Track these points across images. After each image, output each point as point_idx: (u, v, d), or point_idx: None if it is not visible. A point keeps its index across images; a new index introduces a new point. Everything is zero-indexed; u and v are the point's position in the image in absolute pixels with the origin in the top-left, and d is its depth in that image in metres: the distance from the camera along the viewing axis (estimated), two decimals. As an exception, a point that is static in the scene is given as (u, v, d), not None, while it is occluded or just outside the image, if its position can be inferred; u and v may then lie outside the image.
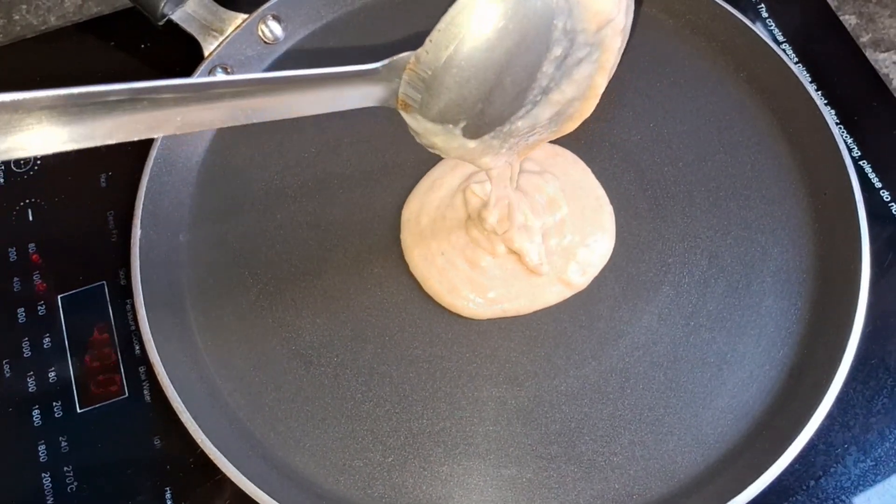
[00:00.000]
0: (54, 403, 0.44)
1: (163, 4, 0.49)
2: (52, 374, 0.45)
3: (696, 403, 0.41)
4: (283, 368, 0.43)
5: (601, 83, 0.36)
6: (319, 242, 0.47)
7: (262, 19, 0.51)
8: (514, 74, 0.32)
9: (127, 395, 0.44)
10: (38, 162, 0.51)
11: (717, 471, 0.40)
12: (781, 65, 0.48)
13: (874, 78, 0.52)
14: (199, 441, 0.39)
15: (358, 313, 0.45)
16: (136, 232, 0.44)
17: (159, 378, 0.40)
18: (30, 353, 0.45)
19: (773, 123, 0.49)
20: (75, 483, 0.42)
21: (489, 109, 0.33)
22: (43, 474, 0.42)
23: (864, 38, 0.54)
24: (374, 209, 0.47)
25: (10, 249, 0.48)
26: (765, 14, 0.55)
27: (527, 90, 0.33)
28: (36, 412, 0.44)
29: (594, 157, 0.48)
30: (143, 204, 0.45)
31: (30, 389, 0.45)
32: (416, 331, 0.44)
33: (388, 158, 0.49)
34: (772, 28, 0.54)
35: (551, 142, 0.42)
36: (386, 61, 0.32)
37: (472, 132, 0.34)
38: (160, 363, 0.41)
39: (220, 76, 0.50)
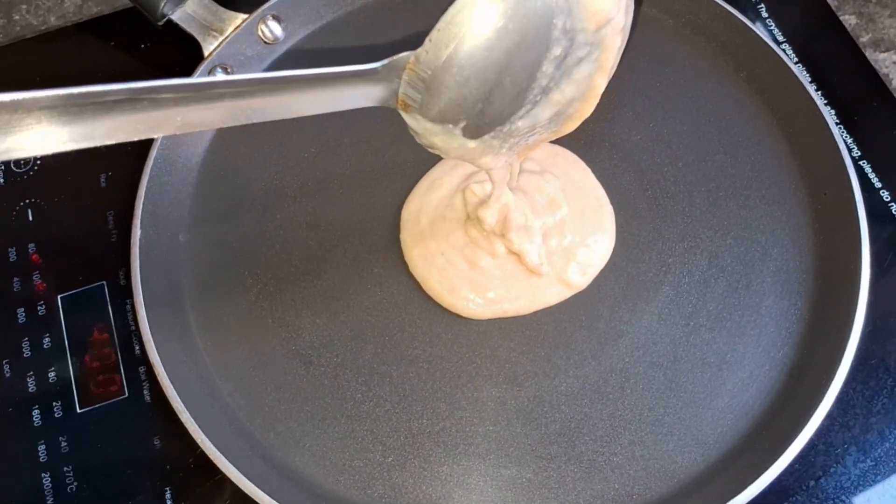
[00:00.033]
0: (54, 403, 0.44)
1: (163, 4, 0.49)
2: (51, 374, 0.45)
3: (696, 403, 0.41)
4: (283, 368, 0.43)
5: (601, 83, 0.36)
6: (319, 242, 0.47)
7: (262, 19, 0.51)
8: (513, 74, 0.32)
9: (127, 395, 0.44)
10: (38, 162, 0.51)
11: (717, 471, 0.40)
12: (781, 65, 0.48)
13: (874, 78, 0.52)
14: (199, 441, 0.39)
15: (358, 313, 0.45)
16: (136, 232, 0.44)
17: (159, 378, 0.40)
18: (30, 353, 0.45)
19: (773, 123, 0.49)
20: (75, 483, 0.42)
21: (489, 109, 0.33)
22: (43, 474, 0.42)
23: (864, 38, 0.54)
24: (373, 209, 0.47)
25: (10, 249, 0.48)
26: (765, 14, 0.55)
27: (527, 90, 0.33)
28: (36, 412, 0.44)
29: (594, 157, 0.48)
30: (143, 204, 0.45)
31: (30, 389, 0.45)
32: (416, 331, 0.44)
33: (387, 158, 0.49)
34: (772, 28, 0.54)
35: (551, 142, 0.42)
36: (385, 61, 0.32)
37: (473, 132, 0.34)
38: (160, 363, 0.41)
39: (220, 76, 0.50)
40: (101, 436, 0.43)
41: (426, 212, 0.46)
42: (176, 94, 0.28)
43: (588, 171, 0.47)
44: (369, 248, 0.46)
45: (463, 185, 0.46)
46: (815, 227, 0.45)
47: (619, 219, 0.46)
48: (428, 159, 0.46)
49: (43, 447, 0.43)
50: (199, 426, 0.39)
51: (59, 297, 0.47)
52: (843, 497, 0.41)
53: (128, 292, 0.44)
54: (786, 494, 0.41)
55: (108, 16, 0.57)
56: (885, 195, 0.48)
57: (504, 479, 0.40)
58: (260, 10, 0.51)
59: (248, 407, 0.42)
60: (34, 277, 0.47)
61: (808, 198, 0.46)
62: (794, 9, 0.55)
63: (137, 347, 0.45)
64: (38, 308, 0.47)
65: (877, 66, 0.53)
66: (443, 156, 0.37)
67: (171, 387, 0.40)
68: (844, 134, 0.50)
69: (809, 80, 0.51)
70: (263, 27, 0.51)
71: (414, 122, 0.34)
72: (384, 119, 0.41)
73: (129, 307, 0.46)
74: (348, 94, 0.33)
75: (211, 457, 0.38)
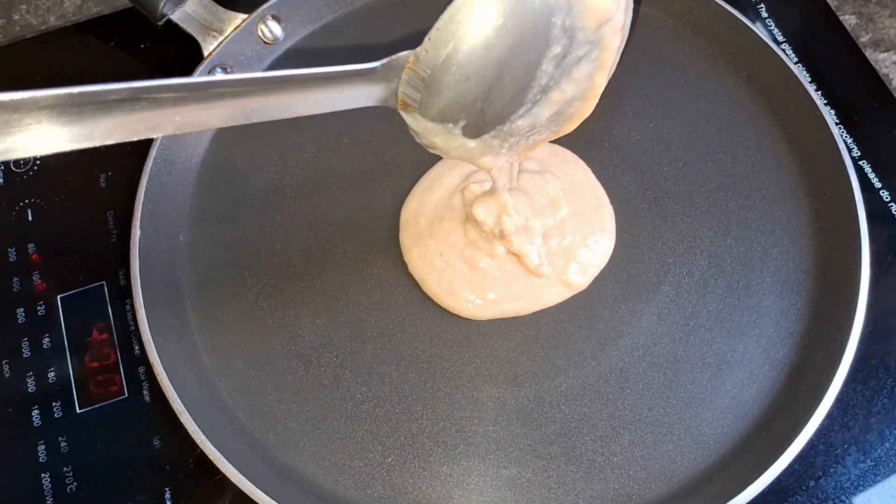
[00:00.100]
0: (54, 404, 0.44)
1: (162, 4, 0.49)
2: (51, 375, 0.45)
3: (696, 403, 0.41)
4: (283, 368, 0.43)
5: (601, 82, 0.36)
6: (319, 242, 0.47)
7: (262, 19, 0.51)
8: (513, 72, 0.32)
9: (126, 395, 0.44)
10: (38, 162, 0.51)
11: (717, 471, 0.40)
12: (781, 65, 0.48)
13: (874, 78, 0.52)
14: (198, 441, 0.39)
15: (357, 313, 0.45)
16: (136, 232, 0.44)
17: (159, 378, 0.40)
18: (29, 353, 0.45)
19: (773, 123, 0.49)
20: (75, 483, 0.42)
21: (489, 108, 0.33)
22: (42, 474, 0.42)
23: (863, 38, 0.54)
24: (373, 209, 0.47)
25: (9, 249, 0.48)
26: (765, 14, 0.55)
27: (526, 89, 0.33)
28: (35, 412, 0.44)
29: (594, 157, 0.48)
30: (143, 204, 0.45)
31: (29, 390, 0.44)
32: (416, 331, 0.44)
33: (387, 158, 0.49)
34: (772, 28, 0.54)
35: (551, 141, 0.42)
36: (385, 60, 0.32)
37: (472, 131, 0.34)
38: (160, 363, 0.41)
39: (220, 76, 0.50)
40: (101, 436, 0.43)
41: (425, 212, 0.46)
42: (175, 93, 0.28)
43: (588, 171, 0.47)
44: (369, 249, 0.46)
45: (462, 185, 0.46)
46: (815, 227, 0.45)
47: (619, 219, 0.46)
48: (427, 159, 0.46)
49: (42, 447, 0.43)
50: (199, 426, 0.39)
51: (58, 297, 0.47)
52: (843, 497, 0.41)
53: (127, 292, 0.44)
54: (786, 494, 0.41)
55: (107, 16, 0.57)
56: (885, 195, 0.48)
57: (504, 479, 0.40)
58: (260, 10, 0.51)
59: (248, 407, 0.42)
60: (34, 277, 0.47)
61: (808, 198, 0.46)
62: (794, 9, 0.55)
63: (137, 347, 0.45)
64: (38, 308, 0.47)
65: (877, 66, 0.53)
66: (443, 156, 0.37)
67: (171, 387, 0.40)
68: (844, 134, 0.50)
69: (809, 80, 0.51)
70: (263, 27, 0.51)
71: (414, 121, 0.34)
72: (384, 119, 0.41)
73: (128, 307, 0.46)
74: (347, 93, 0.33)
75: (211, 457, 0.38)
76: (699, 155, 0.48)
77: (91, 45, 0.56)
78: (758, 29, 0.49)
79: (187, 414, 0.39)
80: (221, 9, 0.50)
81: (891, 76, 0.53)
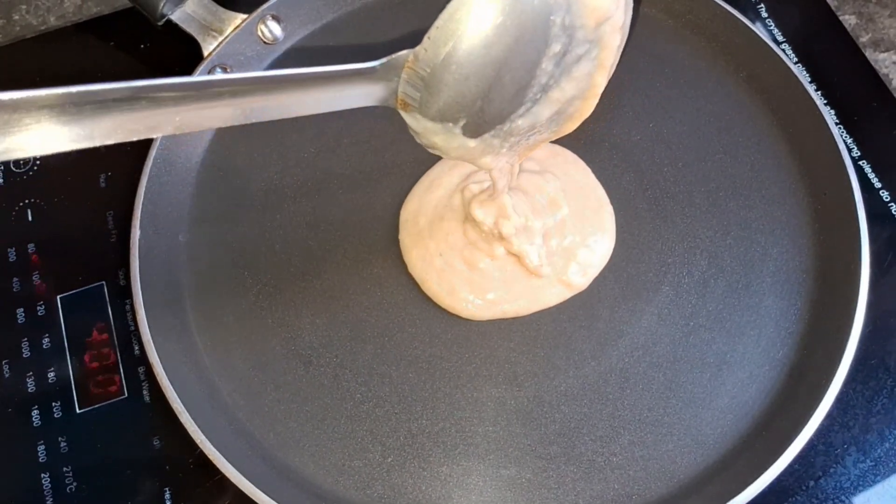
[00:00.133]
0: (53, 404, 0.44)
1: (162, 4, 0.49)
2: (51, 375, 0.45)
3: (696, 403, 0.41)
4: (283, 368, 0.43)
5: (601, 82, 0.36)
6: (319, 242, 0.47)
7: (262, 19, 0.51)
8: (513, 71, 0.32)
9: (126, 395, 0.44)
10: (38, 162, 0.51)
11: (717, 471, 0.40)
12: (781, 65, 0.48)
13: (874, 78, 0.52)
14: (198, 441, 0.39)
15: (357, 313, 0.45)
16: (136, 232, 0.44)
17: (158, 378, 0.40)
18: (29, 353, 0.45)
19: (773, 123, 0.49)
20: (74, 483, 0.42)
21: (489, 107, 0.33)
22: (42, 474, 0.42)
23: (863, 38, 0.54)
24: (373, 209, 0.47)
25: (9, 249, 0.48)
26: (765, 14, 0.55)
27: (526, 87, 0.33)
28: (35, 412, 0.44)
29: (594, 157, 0.48)
30: (143, 204, 0.45)
31: (29, 390, 0.44)
32: (416, 331, 0.44)
33: (387, 158, 0.49)
34: (772, 28, 0.54)
35: (551, 141, 0.42)
36: (384, 60, 0.32)
37: (472, 131, 0.34)
38: (159, 363, 0.41)
39: (219, 76, 0.50)
40: (101, 436, 0.43)
41: (425, 212, 0.46)
42: (175, 93, 0.28)
43: (588, 171, 0.47)
44: (369, 249, 0.46)
45: (462, 185, 0.46)
46: (815, 227, 0.45)
47: (619, 219, 0.46)
48: (427, 159, 0.46)
49: (42, 447, 0.43)
50: (199, 426, 0.39)
51: (58, 297, 0.47)
52: (843, 497, 0.41)
53: (127, 292, 0.44)
54: (786, 494, 0.41)
55: (107, 16, 0.57)
56: (885, 195, 0.48)
57: (504, 479, 0.40)
58: (259, 10, 0.51)
59: (248, 407, 0.42)
60: (34, 277, 0.47)
61: (808, 198, 0.46)
62: (794, 9, 0.55)
63: (137, 348, 0.45)
64: (38, 308, 0.47)
65: (877, 66, 0.53)
66: (443, 155, 0.37)
67: (171, 387, 0.40)
68: (844, 134, 0.50)
69: (809, 80, 0.51)
70: (263, 27, 0.51)
71: (413, 121, 0.34)
72: (384, 119, 0.41)
73: (128, 307, 0.46)
74: (347, 93, 0.33)
75: (210, 457, 0.38)
76: (699, 155, 0.48)
77: (91, 45, 0.56)
78: (758, 29, 0.49)
79: (187, 414, 0.39)
80: (221, 9, 0.50)
81: (891, 76, 0.53)
